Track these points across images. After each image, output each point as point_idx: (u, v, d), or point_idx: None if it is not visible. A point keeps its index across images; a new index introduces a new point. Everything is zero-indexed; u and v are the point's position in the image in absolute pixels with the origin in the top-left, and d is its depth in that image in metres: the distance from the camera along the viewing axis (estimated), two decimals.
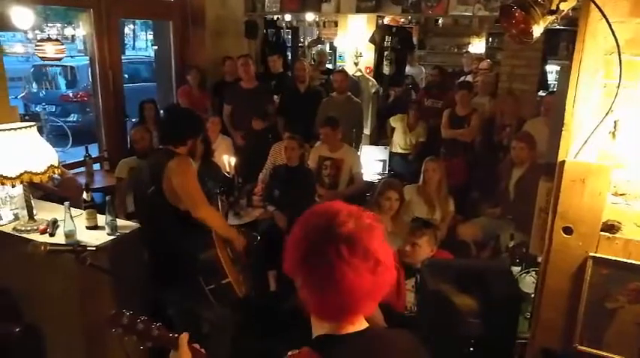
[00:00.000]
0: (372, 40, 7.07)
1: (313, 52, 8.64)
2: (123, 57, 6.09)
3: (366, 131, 6.26)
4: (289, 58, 8.04)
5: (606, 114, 1.64)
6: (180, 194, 2.57)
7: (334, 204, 1.14)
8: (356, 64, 7.10)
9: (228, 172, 4.16)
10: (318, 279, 1.07)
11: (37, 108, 9.56)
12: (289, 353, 1.11)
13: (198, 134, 2.81)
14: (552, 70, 7.46)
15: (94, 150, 5.12)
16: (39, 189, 3.33)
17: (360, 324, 1.14)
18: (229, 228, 2.87)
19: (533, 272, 2.66)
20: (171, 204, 2.61)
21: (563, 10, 1.59)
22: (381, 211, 3.54)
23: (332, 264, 1.04)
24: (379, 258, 1.07)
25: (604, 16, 1.57)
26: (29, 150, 2.54)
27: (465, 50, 10.41)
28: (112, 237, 2.68)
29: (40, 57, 4.31)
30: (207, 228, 2.64)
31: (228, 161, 4.18)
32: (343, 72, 5.74)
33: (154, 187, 2.62)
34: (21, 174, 2.49)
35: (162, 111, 5.25)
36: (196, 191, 2.61)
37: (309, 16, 8.13)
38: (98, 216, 2.79)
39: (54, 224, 2.69)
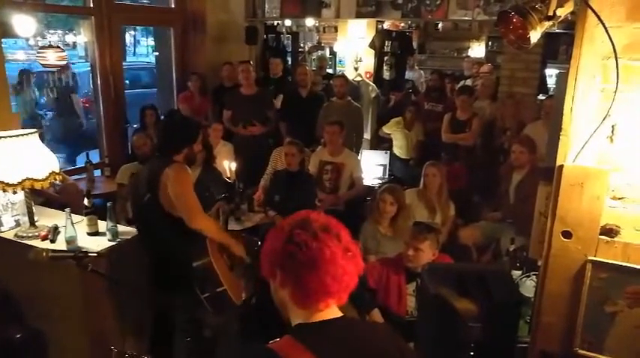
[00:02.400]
0: (371, 45, 7.08)
1: (313, 58, 8.67)
2: (124, 63, 6.11)
3: (366, 136, 6.27)
4: (289, 63, 8.07)
5: (604, 118, 1.65)
6: (176, 203, 2.55)
7: (303, 212, 1.26)
8: (356, 68, 7.12)
9: (228, 178, 4.17)
10: (296, 263, 1.16)
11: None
12: (270, 342, 1.16)
13: (193, 141, 2.76)
14: (552, 73, 7.47)
15: (94, 156, 5.14)
16: (40, 196, 3.35)
17: (334, 313, 1.22)
18: (226, 236, 2.82)
19: (534, 276, 2.66)
20: (166, 212, 2.60)
21: (560, 16, 1.60)
22: (379, 215, 3.55)
23: (309, 246, 1.15)
24: (348, 246, 1.20)
25: (601, 21, 1.58)
26: (31, 157, 2.56)
27: (465, 54, 10.43)
28: (113, 243, 2.69)
29: (41, 64, 4.33)
30: (202, 235, 2.60)
31: (228, 166, 4.20)
32: (343, 77, 5.76)
33: (150, 194, 2.61)
34: (22, 181, 2.51)
35: (162, 117, 5.28)
36: (192, 200, 2.57)
37: (309, 22, 8.14)
38: (99, 222, 2.80)
39: (55, 230, 2.70)
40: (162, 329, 2.91)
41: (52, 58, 4.20)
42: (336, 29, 8.72)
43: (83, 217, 2.81)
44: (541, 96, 5.69)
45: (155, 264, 2.75)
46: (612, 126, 1.65)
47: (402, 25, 8.93)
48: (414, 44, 9.70)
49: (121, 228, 2.80)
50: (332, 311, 1.21)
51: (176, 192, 2.54)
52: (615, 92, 1.62)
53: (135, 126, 5.38)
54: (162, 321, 2.88)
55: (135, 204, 2.90)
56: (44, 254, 2.05)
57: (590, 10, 1.60)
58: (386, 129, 5.77)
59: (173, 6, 5.85)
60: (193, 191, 2.59)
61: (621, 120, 1.64)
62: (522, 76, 5.49)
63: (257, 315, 3.37)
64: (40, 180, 2.57)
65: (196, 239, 2.58)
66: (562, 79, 1.80)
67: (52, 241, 2.65)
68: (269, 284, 1.26)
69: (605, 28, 1.58)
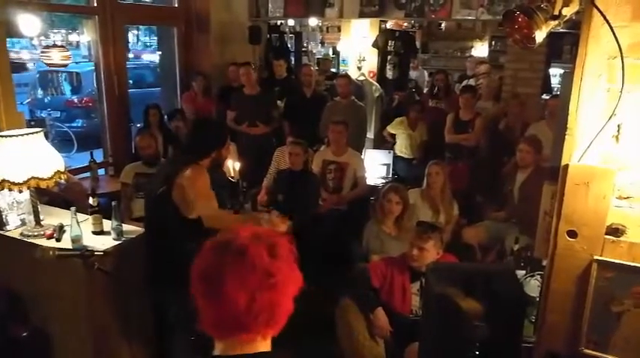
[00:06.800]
0: (375, 45, 7.09)
1: (317, 57, 8.68)
2: (127, 62, 6.12)
3: (370, 135, 6.27)
4: (292, 62, 8.08)
5: (609, 117, 1.65)
6: (194, 199, 2.52)
7: (247, 227, 1.14)
8: (359, 68, 7.12)
9: (232, 177, 4.17)
10: (205, 289, 1.07)
11: (42, 114, 9.61)
12: None
13: (222, 145, 2.76)
14: (556, 73, 7.46)
15: (98, 156, 5.14)
16: (45, 195, 3.36)
17: (258, 347, 1.10)
18: (236, 219, 2.80)
19: (539, 276, 2.66)
20: (176, 208, 2.57)
21: (566, 16, 1.60)
22: (383, 214, 3.55)
23: (218, 271, 1.06)
24: (271, 272, 1.06)
25: (606, 20, 1.58)
26: (36, 156, 2.57)
27: (468, 54, 10.43)
28: (118, 242, 2.70)
29: (46, 63, 4.33)
30: (206, 239, 2.58)
31: (232, 166, 4.20)
32: (346, 76, 5.76)
33: (164, 187, 2.58)
34: (28, 180, 2.52)
35: (166, 117, 5.28)
36: (208, 192, 2.57)
37: (313, 21, 8.17)
38: (104, 221, 2.80)
39: (60, 229, 2.71)
40: (165, 329, 2.90)
41: (56, 57, 4.20)
42: (339, 29, 8.76)
43: (88, 216, 2.82)
44: (545, 96, 5.68)
45: (154, 261, 2.74)
46: (618, 126, 1.65)
47: (406, 24, 8.95)
48: (418, 44, 9.69)
49: (125, 226, 2.81)
50: (256, 346, 1.09)
51: (196, 192, 2.51)
52: (621, 91, 1.61)
53: (138, 125, 5.39)
54: (165, 320, 2.88)
55: (147, 198, 2.88)
56: (51, 252, 2.06)
57: (595, 10, 1.60)
58: (390, 129, 5.76)
59: (176, 5, 5.86)
60: (209, 187, 2.58)
61: (627, 119, 1.64)
62: (526, 75, 5.48)
63: None
64: (45, 179, 2.58)
65: (200, 242, 2.56)
66: (567, 79, 1.80)
67: (58, 240, 2.66)
68: None
69: (611, 28, 1.58)
